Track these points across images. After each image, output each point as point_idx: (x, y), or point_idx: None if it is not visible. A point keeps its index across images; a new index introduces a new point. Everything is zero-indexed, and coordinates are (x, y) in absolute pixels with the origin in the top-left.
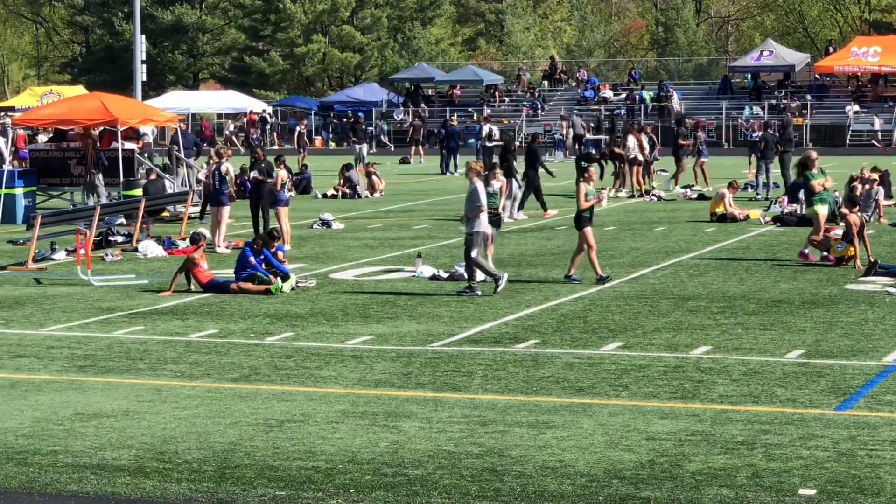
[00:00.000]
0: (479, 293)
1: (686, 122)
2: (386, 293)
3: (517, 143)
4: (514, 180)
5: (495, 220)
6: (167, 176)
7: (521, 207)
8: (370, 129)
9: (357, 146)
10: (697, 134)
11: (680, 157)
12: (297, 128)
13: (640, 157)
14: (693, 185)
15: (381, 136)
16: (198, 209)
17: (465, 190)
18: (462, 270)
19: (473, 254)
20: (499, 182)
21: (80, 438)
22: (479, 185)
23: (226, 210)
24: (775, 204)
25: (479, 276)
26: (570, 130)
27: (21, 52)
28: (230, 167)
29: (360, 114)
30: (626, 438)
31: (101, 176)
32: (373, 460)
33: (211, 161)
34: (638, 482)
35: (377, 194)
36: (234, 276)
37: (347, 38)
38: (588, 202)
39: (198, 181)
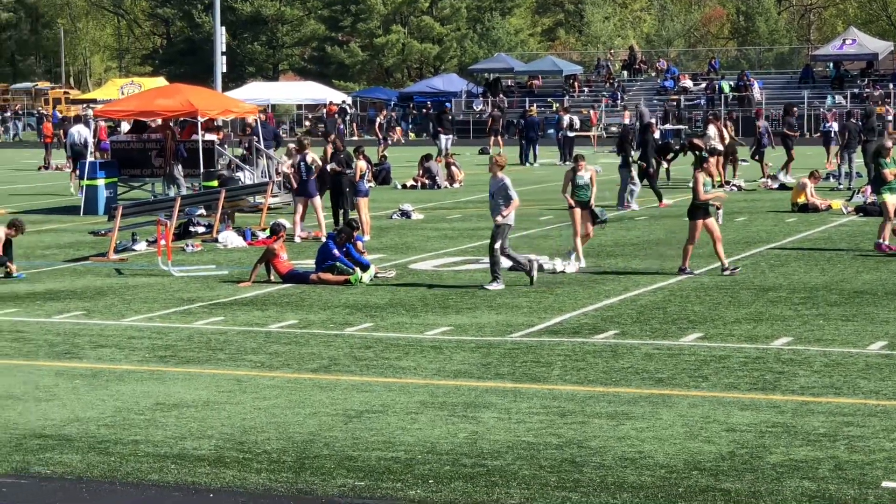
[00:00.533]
0: (503, 286)
1: (794, 111)
2: (465, 284)
3: (600, 134)
4: (631, 170)
5: (589, 210)
6: (247, 167)
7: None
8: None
9: (443, 136)
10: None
11: (789, 146)
12: (378, 119)
13: (720, 147)
14: (773, 175)
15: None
16: (277, 199)
17: (544, 180)
18: (538, 261)
19: (496, 245)
20: (588, 172)
21: (160, 428)
22: (507, 179)
23: (317, 200)
24: (858, 194)
25: (506, 262)
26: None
27: (103, 45)
28: (316, 157)
29: (448, 104)
30: (706, 430)
31: (180, 167)
32: (452, 451)
33: (294, 151)
34: (718, 474)
35: (456, 185)
36: (314, 266)
37: (427, 28)
38: (706, 195)
39: (277, 172)
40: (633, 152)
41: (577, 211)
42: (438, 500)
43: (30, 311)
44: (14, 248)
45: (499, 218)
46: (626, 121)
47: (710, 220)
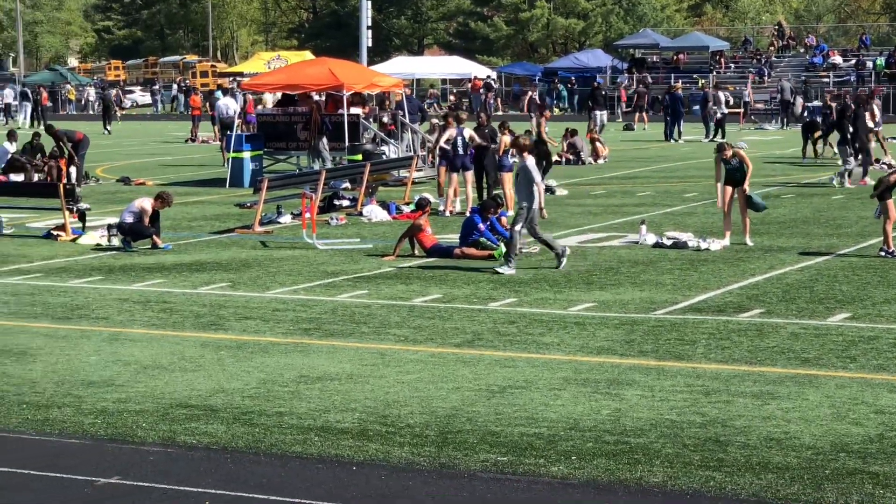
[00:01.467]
0: (513, 272)
1: None
2: (609, 260)
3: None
4: (849, 147)
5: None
6: (392, 141)
7: (864, 174)
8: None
9: (597, 112)
10: None
11: None
12: (530, 93)
13: (870, 125)
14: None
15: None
16: (422, 174)
17: (689, 157)
18: (678, 237)
19: (517, 227)
20: (736, 156)
21: (304, 401)
22: (531, 160)
23: (471, 175)
24: None
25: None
26: (779, 95)
27: (250, 19)
28: (473, 132)
29: (600, 80)
30: (854, 411)
31: (326, 140)
32: (595, 428)
33: (450, 125)
34: (866, 456)
35: (601, 161)
36: (458, 241)
37: (572, 3)
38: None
39: (422, 145)
40: (849, 130)
41: (728, 190)
42: (581, 477)
43: (176, 283)
44: (161, 220)
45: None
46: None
47: (892, 200)
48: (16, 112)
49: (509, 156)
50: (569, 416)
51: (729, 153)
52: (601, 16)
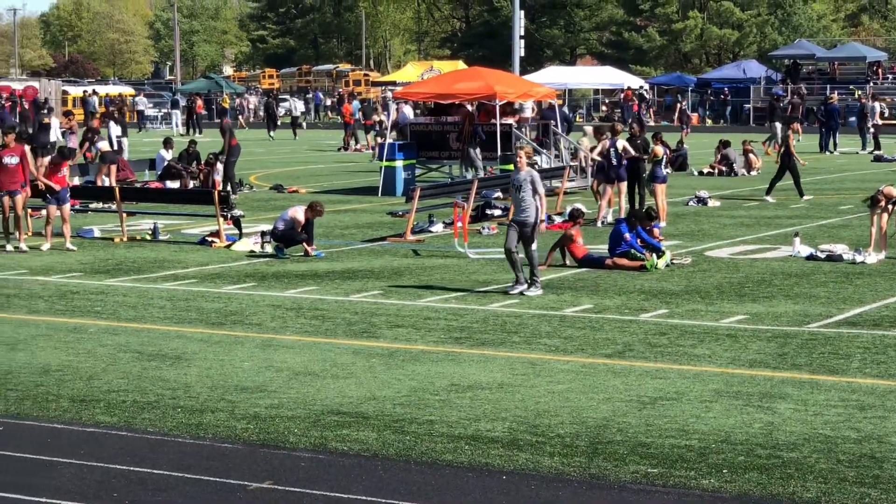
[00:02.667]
0: (541, 292)
1: None
2: (762, 272)
3: None
4: None
5: None
6: (543, 151)
7: None
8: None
9: (777, 125)
10: None
11: None
12: (679, 104)
13: None
14: None
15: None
16: (574, 184)
17: (844, 169)
18: (833, 250)
19: (533, 246)
20: None
21: (455, 409)
22: (536, 173)
23: (625, 185)
24: None
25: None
26: None
27: (403, 28)
28: (626, 143)
29: (779, 92)
30: None
31: (478, 150)
32: (746, 441)
33: (604, 137)
34: None
35: (753, 172)
36: (608, 251)
37: (726, 14)
38: None
39: (574, 156)
40: None
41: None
42: (732, 491)
43: (328, 290)
44: (314, 228)
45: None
46: None
47: None
48: (150, 121)
49: (663, 167)
50: (720, 428)
51: (883, 203)
52: (756, 26)
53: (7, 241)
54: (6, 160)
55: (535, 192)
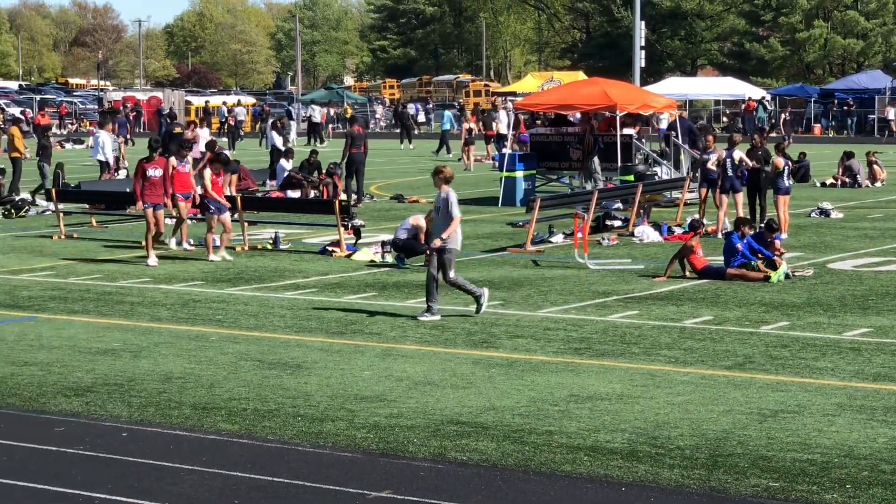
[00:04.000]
0: (439, 317)
1: None
2: (886, 285)
3: None
4: None
5: None
6: (664, 162)
7: None
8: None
9: None
10: None
11: None
12: (783, 115)
13: None
14: None
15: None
16: (694, 195)
17: None
18: None
19: (452, 275)
20: None
21: (574, 420)
22: (453, 193)
23: (741, 196)
24: None
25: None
26: None
27: (523, 38)
28: (743, 155)
29: None
30: None
31: (597, 160)
32: (870, 456)
33: (714, 148)
34: None
35: (878, 184)
36: (724, 264)
37: (851, 23)
38: None
39: (693, 165)
40: None
41: None
42: None
43: (448, 300)
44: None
45: (437, 241)
46: None
47: None
48: (323, 129)
49: (785, 178)
50: (843, 442)
51: None
52: (881, 35)
53: (148, 253)
54: (150, 173)
55: (449, 213)
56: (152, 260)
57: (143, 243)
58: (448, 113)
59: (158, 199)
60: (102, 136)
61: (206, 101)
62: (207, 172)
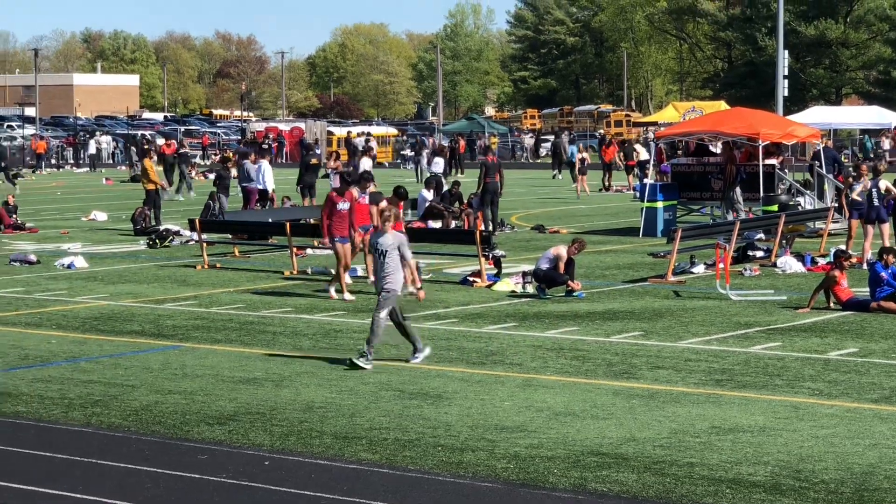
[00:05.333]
0: (370, 367)
1: None
2: None
3: None
4: None
5: None
6: (807, 192)
7: None
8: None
9: None
10: None
11: None
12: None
13: None
14: None
15: None
16: (838, 225)
17: None
18: None
19: (383, 314)
20: None
21: (716, 452)
22: (404, 238)
23: (885, 227)
24: None
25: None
26: None
27: (665, 68)
28: (889, 184)
29: None
30: None
31: (739, 190)
32: None
33: (865, 178)
34: None
35: None
36: (869, 295)
37: None
38: None
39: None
40: None
41: None
42: None
43: (589, 331)
44: (575, 268)
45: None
46: None
47: None
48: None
49: None
50: None
51: None
52: None
53: (331, 284)
54: (340, 206)
55: (402, 258)
56: (348, 296)
57: (333, 279)
58: (573, 147)
59: (345, 231)
60: (264, 166)
61: (349, 132)
62: (383, 203)
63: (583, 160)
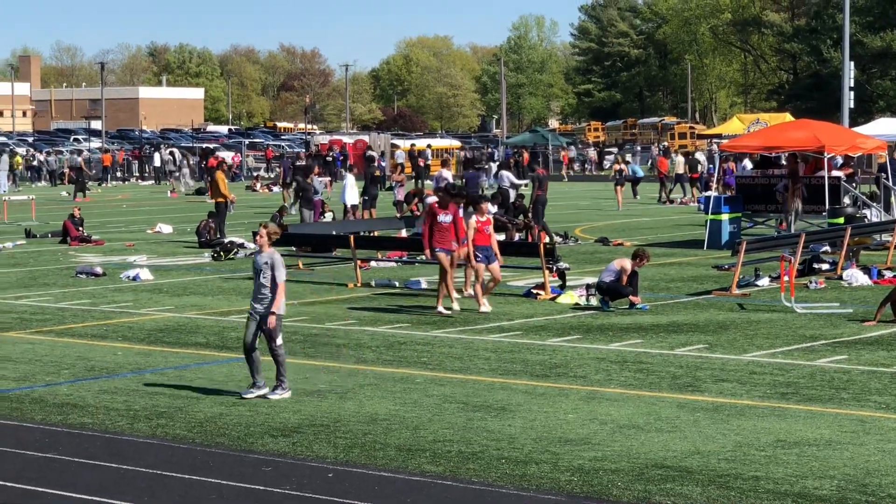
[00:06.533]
0: (267, 389)
1: None
2: None
3: None
4: None
5: None
6: (873, 204)
7: None
8: None
9: None
10: None
11: None
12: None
13: None
14: None
15: None
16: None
17: None
18: None
19: (279, 341)
20: None
21: (781, 465)
22: (277, 255)
23: None
24: None
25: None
26: None
27: (729, 80)
28: None
29: None
30: None
31: (800, 204)
32: None
33: None
34: None
35: None
36: None
37: None
38: None
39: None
40: None
41: None
42: None
43: (653, 343)
44: (639, 280)
45: (271, 318)
46: None
47: None
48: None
49: None
50: None
51: None
52: None
53: (451, 300)
54: (441, 218)
55: (273, 277)
56: (485, 307)
57: (440, 295)
58: (634, 168)
59: (448, 244)
60: (350, 180)
61: (412, 145)
62: (473, 219)
63: (620, 171)
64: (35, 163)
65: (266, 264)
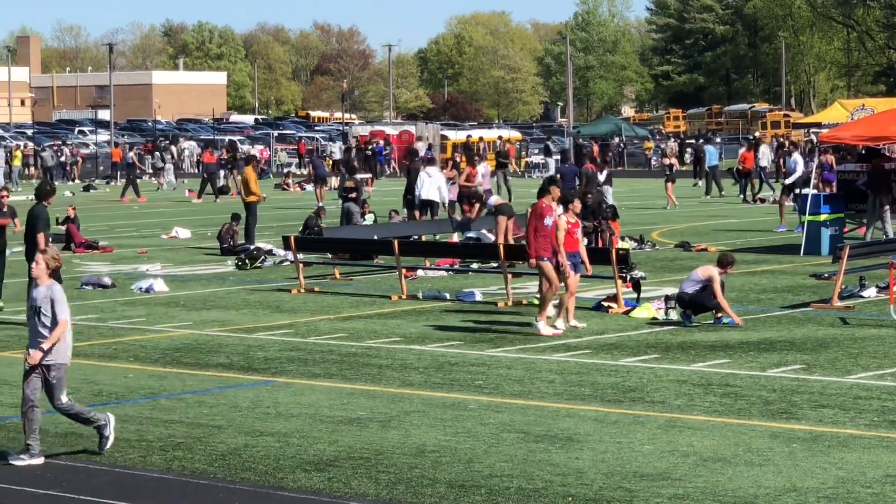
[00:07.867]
0: (42, 459)
1: None
2: None
3: None
4: None
5: None
6: None
7: None
8: None
9: None
10: None
11: None
12: None
13: None
14: None
15: None
16: None
17: None
18: None
19: (64, 398)
20: None
21: (888, 503)
22: (57, 287)
23: None
24: None
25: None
26: None
27: (829, 61)
28: None
29: None
30: None
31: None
32: None
33: None
34: None
35: None
36: None
37: None
38: None
39: None
40: None
41: None
42: None
43: (742, 363)
44: (726, 290)
45: (35, 354)
46: None
47: None
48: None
49: None
50: None
51: None
52: None
53: (540, 317)
54: (548, 220)
55: (54, 315)
56: (574, 322)
57: (541, 304)
58: (711, 147)
59: (547, 251)
60: (434, 173)
61: (468, 136)
62: (562, 219)
63: (671, 166)
64: (51, 161)
65: (45, 299)
